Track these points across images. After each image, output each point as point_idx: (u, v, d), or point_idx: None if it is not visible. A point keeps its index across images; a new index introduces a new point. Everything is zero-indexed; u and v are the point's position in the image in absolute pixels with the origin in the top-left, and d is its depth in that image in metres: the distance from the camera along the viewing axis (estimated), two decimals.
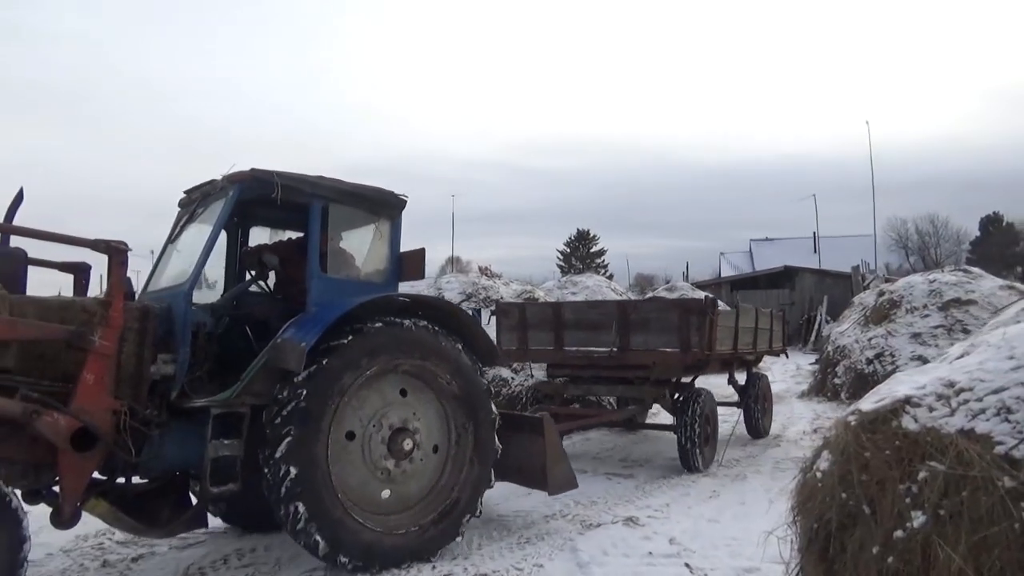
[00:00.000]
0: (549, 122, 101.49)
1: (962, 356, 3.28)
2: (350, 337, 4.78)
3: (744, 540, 5.45)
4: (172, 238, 5.51)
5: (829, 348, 14.66)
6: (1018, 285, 13.46)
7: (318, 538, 4.53)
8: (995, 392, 2.83)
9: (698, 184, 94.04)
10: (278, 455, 4.48)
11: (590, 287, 17.58)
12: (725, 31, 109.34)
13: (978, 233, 51.07)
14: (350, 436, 4.91)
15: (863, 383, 12.52)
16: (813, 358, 19.40)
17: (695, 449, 7.98)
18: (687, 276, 43.30)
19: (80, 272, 4.98)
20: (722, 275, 43.86)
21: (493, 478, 5.59)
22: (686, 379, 8.79)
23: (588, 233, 61.45)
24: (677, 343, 8.16)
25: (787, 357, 12.28)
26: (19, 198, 4.58)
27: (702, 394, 8.40)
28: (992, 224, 51.26)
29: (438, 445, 5.37)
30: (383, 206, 5.69)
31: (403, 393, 5.21)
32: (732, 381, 9.89)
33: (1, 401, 3.82)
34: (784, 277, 32.28)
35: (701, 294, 23.12)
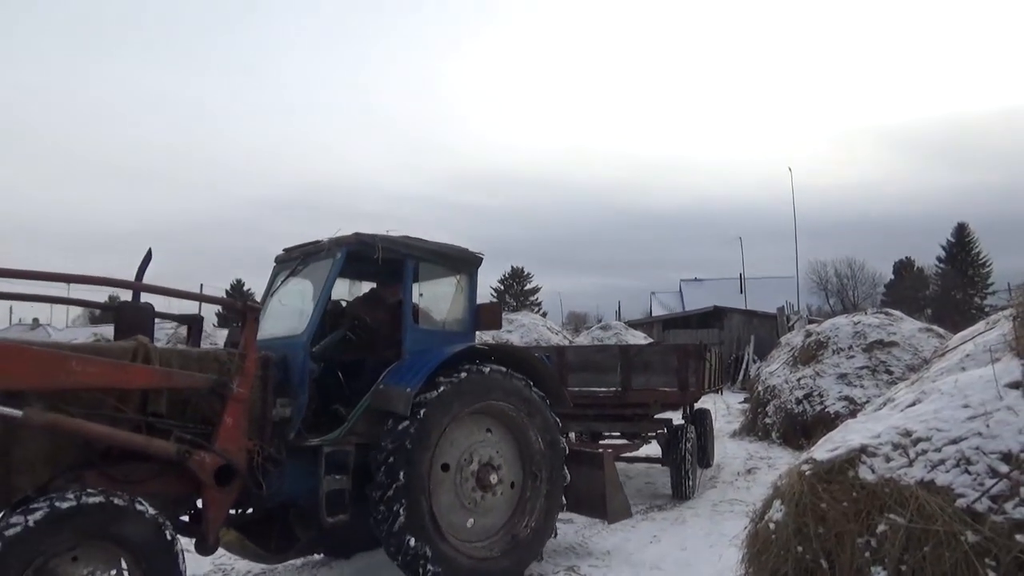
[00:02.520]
0: (476, 158, 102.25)
1: (914, 403, 3.25)
2: (447, 382, 5.30)
3: None
4: (272, 291, 6.06)
5: (759, 388, 14.88)
6: (936, 328, 14.00)
7: (427, 565, 5.00)
8: (953, 442, 2.78)
9: (628, 224, 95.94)
10: (388, 489, 4.96)
11: (526, 325, 17.53)
12: (655, 76, 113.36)
13: (892, 276, 53.60)
14: (446, 470, 5.39)
15: (793, 423, 12.77)
16: (742, 397, 19.71)
17: (688, 477, 8.67)
18: (619, 315, 43.88)
19: (194, 323, 5.53)
20: (653, 314, 44.58)
21: (564, 504, 6.08)
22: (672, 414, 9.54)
23: (522, 271, 61.69)
24: (676, 383, 9.03)
25: (722, 393, 12.47)
26: (148, 257, 4.98)
27: (690, 428, 9.08)
28: (904, 268, 53.87)
29: (515, 479, 5.84)
30: (462, 262, 6.26)
31: (488, 431, 5.74)
32: (685, 415, 10.20)
33: (159, 442, 4.29)
34: (713, 317, 32.98)
35: (636, 333, 23.39)
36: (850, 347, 13.38)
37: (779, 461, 10.69)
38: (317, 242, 5.76)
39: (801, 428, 12.18)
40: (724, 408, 18.47)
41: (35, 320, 59.81)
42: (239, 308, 4.97)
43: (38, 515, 3.59)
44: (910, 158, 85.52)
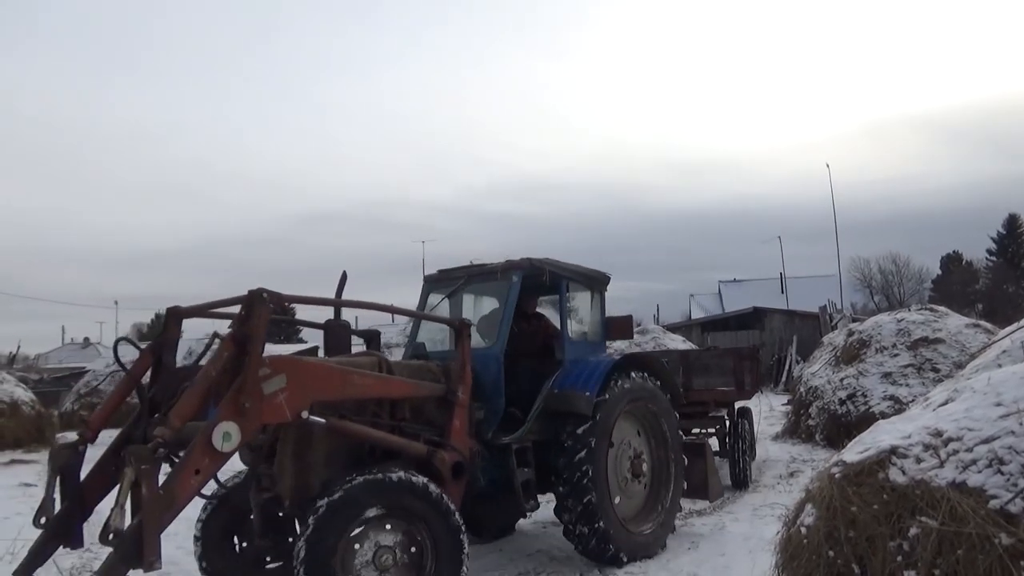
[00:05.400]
0: (508, 166, 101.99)
1: (946, 403, 3.16)
2: (614, 386, 6.25)
3: None
4: (430, 309, 6.79)
5: (801, 389, 14.57)
6: (984, 323, 13.54)
7: (610, 547, 5.95)
8: (985, 442, 2.69)
9: (665, 227, 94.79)
10: (579, 480, 5.81)
11: None
12: (687, 76, 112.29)
13: (939, 271, 52.09)
14: (612, 461, 6.32)
15: (837, 424, 12.45)
16: (785, 399, 19.33)
17: (747, 467, 9.68)
18: (658, 319, 43.41)
19: (373, 337, 5.98)
20: (692, 317, 44.03)
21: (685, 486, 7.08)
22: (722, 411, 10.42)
23: None
24: (733, 383, 10.25)
25: (764, 393, 12.48)
26: (344, 279, 5.42)
27: (745, 424, 10.14)
28: (952, 262, 52.36)
29: (653, 464, 6.87)
30: (597, 281, 7.19)
31: (638, 432, 6.77)
32: (731, 413, 10.65)
33: (415, 444, 4.96)
34: (753, 318, 32.44)
35: (675, 337, 23.12)
36: (894, 345, 13.02)
37: (822, 464, 10.40)
38: (482, 265, 6.65)
39: (845, 429, 11.86)
40: (767, 409, 18.11)
41: (86, 339, 61.97)
42: (455, 325, 5.63)
43: (356, 484, 4.30)
44: (954, 147, 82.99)
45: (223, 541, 5.27)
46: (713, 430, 9.93)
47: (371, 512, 4.33)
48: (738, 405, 11.12)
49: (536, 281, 6.44)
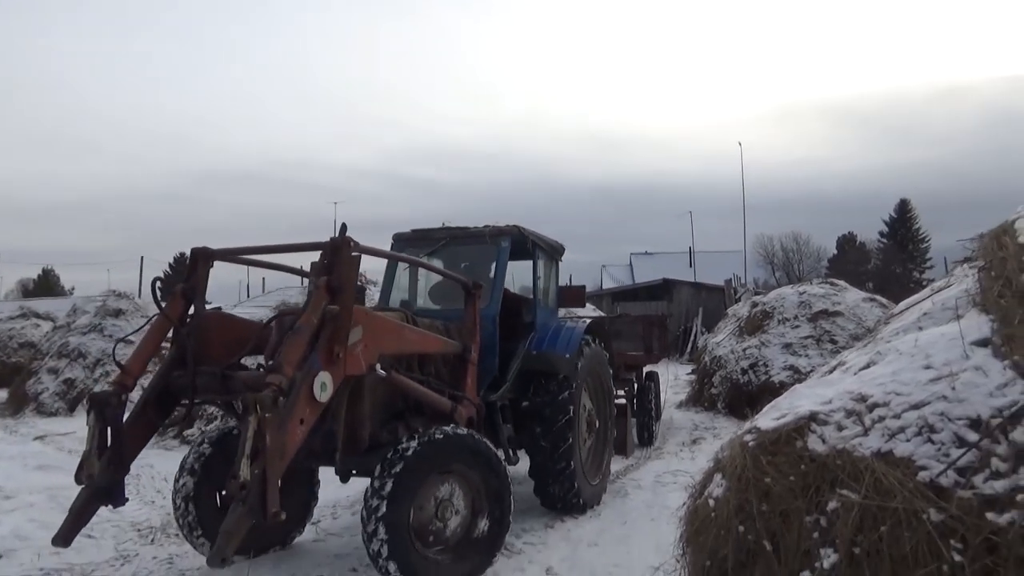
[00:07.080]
0: (426, 132, 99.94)
1: (868, 366, 2.91)
2: (585, 349, 6.86)
3: (626, 567, 5.05)
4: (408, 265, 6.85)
5: (706, 358, 14.75)
6: (879, 298, 13.99)
7: (576, 484, 6.35)
8: (914, 408, 2.43)
9: (580, 198, 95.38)
10: (561, 434, 6.22)
11: None
12: (603, 48, 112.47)
13: (835, 251, 54.64)
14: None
15: (738, 393, 12.67)
16: (690, 368, 19.67)
17: (652, 425, 10.48)
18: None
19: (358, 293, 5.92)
20: (604, 287, 44.53)
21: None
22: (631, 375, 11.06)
23: None
24: (642, 348, 11.07)
25: (668, 360, 12.91)
26: (344, 229, 5.22)
27: (653, 386, 10.92)
28: (847, 243, 55.02)
29: (599, 421, 7.45)
30: (557, 252, 7.75)
31: (587, 388, 7.15)
32: (639, 376, 11.26)
33: (444, 400, 5.12)
34: (663, 289, 33.01)
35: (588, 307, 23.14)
36: (795, 317, 13.28)
37: (724, 431, 10.58)
38: (464, 228, 6.90)
39: (746, 398, 12.08)
40: (672, 379, 18.35)
41: None
42: (469, 287, 5.70)
43: (428, 441, 4.43)
44: (855, 134, 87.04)
45: (212, 504, 4.97)
46: (623, 392, 10.10)
47: (441, 467, 4.49)
48: (646, 369, 11.51)
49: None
